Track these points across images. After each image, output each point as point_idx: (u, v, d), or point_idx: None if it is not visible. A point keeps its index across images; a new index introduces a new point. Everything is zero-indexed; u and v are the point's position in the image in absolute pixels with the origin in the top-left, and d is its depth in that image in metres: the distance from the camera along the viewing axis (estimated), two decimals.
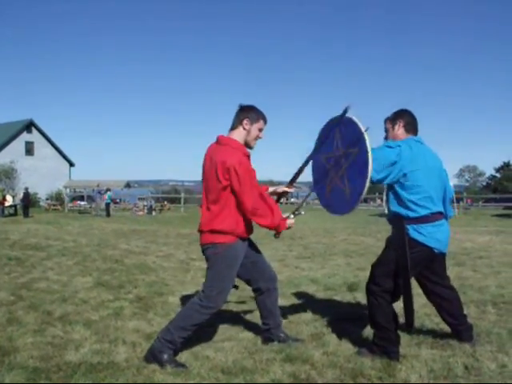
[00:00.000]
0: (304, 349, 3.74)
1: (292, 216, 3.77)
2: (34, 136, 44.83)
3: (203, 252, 3.67)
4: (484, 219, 22.40)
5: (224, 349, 3.78)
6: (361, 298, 5.59)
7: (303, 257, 9.04)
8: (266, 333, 3.93)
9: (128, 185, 40.66)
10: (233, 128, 3.66)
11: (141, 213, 29.98)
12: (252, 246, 3.91)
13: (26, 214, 24.71)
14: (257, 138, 3.69)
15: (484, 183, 76.08)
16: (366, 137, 3.38)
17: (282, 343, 3.83)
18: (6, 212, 25.47)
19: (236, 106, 3.70)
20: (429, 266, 3.75)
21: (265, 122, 3.71)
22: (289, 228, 3.75)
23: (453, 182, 32.83)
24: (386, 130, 3.84)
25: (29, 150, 44.04)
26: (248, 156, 3.61)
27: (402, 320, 3.71)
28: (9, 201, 26.37)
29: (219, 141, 3.62)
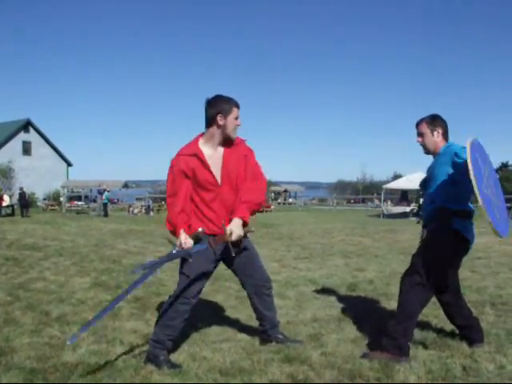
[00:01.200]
0: (302, 349, 3.73)
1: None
2: (32, 136, 44.80)
3: None
4: (482, 220, 22.36)
5: (222, 349, 3.77)
6: (359, 298, 5.60)
7: (301, 257, 9.03)
8: (264, 334, 3.91)
9: (126, 185, 40.65)
10: (208, 126, 3.53)
11: (137, 210, 29.95)
12: (248, 246, 3.85)
13: (22, 214, 24.73)
14: (236, 127, 3.54)
15: None
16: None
17: (280, 344, 3.81)
18: (3, 212, 25.42)
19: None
20: (457, 263, 3.90)
21: (237, 107, 3.55)
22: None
23: None
24: (422, 134, 3.85)
25: (26, 149, 44.00)
26: (195, 154, 3.49)
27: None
28: (6, 201, 26.32)
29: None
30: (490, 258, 8.84)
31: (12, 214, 25.83)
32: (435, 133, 3.81)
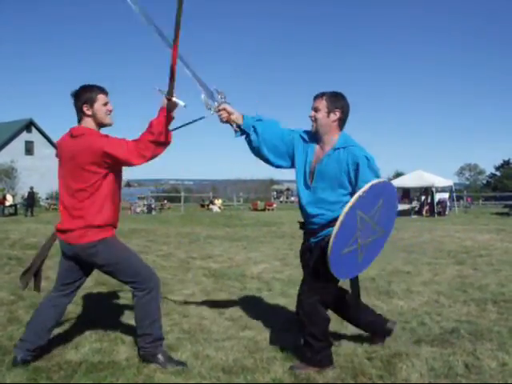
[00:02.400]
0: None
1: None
2: (34, 135, 44.83)
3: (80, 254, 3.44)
4: (484, 217, 22.42)
5: (224, 348, 3.78)
6: (362, 296, 5.59)
7: None
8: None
9: (128, 184, 40.68)
10: (81, 119, 3.45)
11: (139, 209, 29.97)
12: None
13: (27, 213, 24.86)
14: (107, 112, 3.46)
15: (484, 181, 76.06)
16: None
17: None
18: (6, 211, 25.47)
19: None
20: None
21: (103, 93, 3.44)
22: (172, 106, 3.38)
23: (453, 180, 32.81)
24: (316, 109, 3.42)
25: (29, 149, 44.04)
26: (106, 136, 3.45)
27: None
28: (9, 200, 26.38)
29: (72, 133, 3.42)
30: (491, 255, 8.85)
31: (15, 214, 25.87)
32: (332, 115, 3.37)
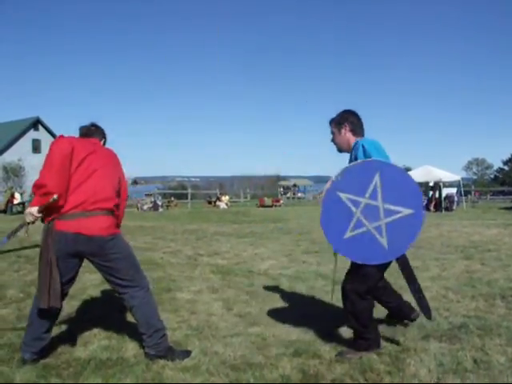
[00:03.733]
0: (313, 344, 3.74)
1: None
2: (41, 133, 45.06)
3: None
4: (492, 212, 22.31)
5: (233, 344, 3.79)
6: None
7: (311, 251, 9.03)
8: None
9: (135, 181, 40.79)
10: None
11: (146, 206, 30.05)
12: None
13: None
14: None
15: (492, 176, 75.82)
16: (422, 196, 3.36)
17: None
18: (15, 210, 25.57)
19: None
20: None
21: None
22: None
23: (460, 174, 32.64)
24: (332, 133, 3.87)
25: (36, 147, 44.28)
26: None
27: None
28: (17, 198, 26.48)
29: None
30: (500, 250, 8.81)
31: (23, 212, 25.94)
32: (342, 130, 3.76)
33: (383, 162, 3.38)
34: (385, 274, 3.80)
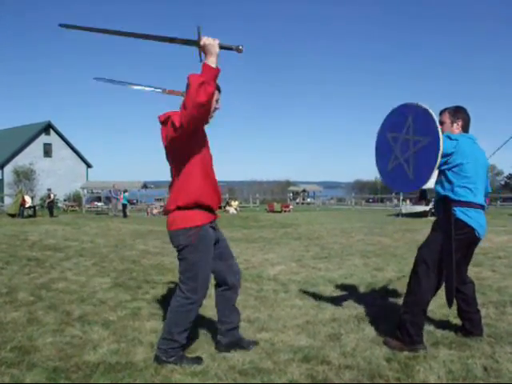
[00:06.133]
0: (321, 349, 3.74)
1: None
2: (52, 138, 45.41)
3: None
4: (502, 218, 22.10)
5: (241, 349, 3.78)
6: (378, 298, 5.57)
7: (320, 257, 9.02)
8: (228, 333, 3.76)
9: (145, 186, 40.91)
10: None
11: (156, 211, 30.13)
12: (219, 234, 3.71)
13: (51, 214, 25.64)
14: (214, 110, 3.49)
15: (502, 182, 75.26)
16: (440, 132, 3.56)
17: (239, 345, 3.77)
18: (26, 213, 25.75)
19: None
20: (464, 252, 3.91)
21: (219, 91, 3.49)
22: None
23: None
24: (442, 123, 3.97)
25: (47, 151, 44.63)
26: None
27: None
28: (28, 202, 26.66)
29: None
30: (510, 257, 8.74)
31: (34, 215, 26.15)
32: (455, 124, 3.93)
33: (414, 106, 3.77)
34: None
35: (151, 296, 5.71)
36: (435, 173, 3.76)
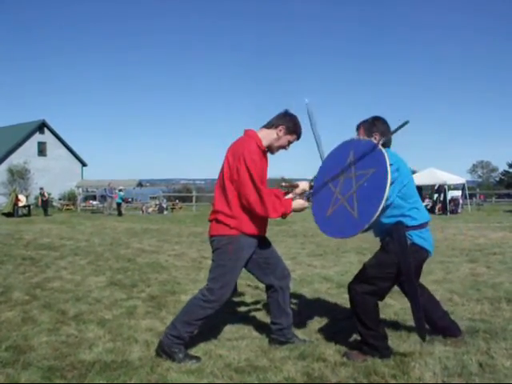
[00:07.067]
0: (317, 347, 3.74)
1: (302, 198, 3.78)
2: (47, 136, 45.17)
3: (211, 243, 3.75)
4: (497, 215, 22.23)
5: (237, 347, 3.79)
6: None
7: (315, 254, 9.04)
8: (278, 333, 3.85)
9: (140, 184, 40.79)
10: (266, 126, 3.70)
11: (151, 209, 30.06)
12: (265, 243, 3.84)
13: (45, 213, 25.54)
14: (282, 148, 3.73)
15: (497, 179, 75.56)
16: (387, 158, 3.29)
17: (292, 345, 3.80)
18: (20, 212, 25.65)
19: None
20: (418, 272, 3.80)
21: (298, 137, 3.76)
22: (299, 210, 3.73)
23: (465, 177, 32.51)
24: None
25: (41, 150, 44.39)
26: (263, 150, 3.63)
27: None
28: (22, 201, 26.54)
29: (244, 133, 3.70)
30: (505, 253, 8.78)
31: (28, 215, 26.05)
32: (372, 138, 3.61)
33: (355, 140, 3.60)
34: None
35: (146, 294, 5.71)
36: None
